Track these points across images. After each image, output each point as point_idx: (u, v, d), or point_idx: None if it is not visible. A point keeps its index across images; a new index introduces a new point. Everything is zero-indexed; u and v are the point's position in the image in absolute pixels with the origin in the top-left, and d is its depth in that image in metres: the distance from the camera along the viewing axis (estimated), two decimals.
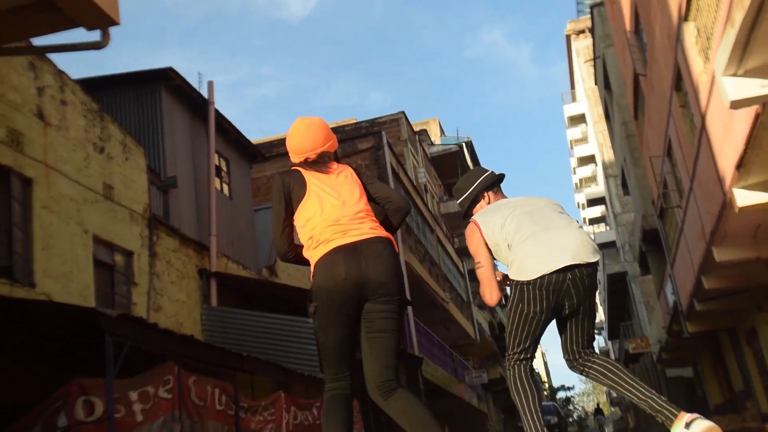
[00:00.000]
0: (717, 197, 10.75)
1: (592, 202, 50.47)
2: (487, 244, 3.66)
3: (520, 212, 3.59)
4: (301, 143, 3.38)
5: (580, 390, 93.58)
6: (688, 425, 3.18)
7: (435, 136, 40.79)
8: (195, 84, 14.55)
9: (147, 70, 13.55)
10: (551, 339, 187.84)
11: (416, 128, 33.96)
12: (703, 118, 10.69)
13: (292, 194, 3.28)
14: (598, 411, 53.23)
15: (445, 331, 27.66)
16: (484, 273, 3.66)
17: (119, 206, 11.50)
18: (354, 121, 28.72)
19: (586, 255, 3.39)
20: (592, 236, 48.66)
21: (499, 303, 3.69)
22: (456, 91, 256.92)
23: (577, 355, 3.59)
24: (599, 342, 75.47)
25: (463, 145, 37.87)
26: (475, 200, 3.97)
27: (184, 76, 13.91)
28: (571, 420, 68.07)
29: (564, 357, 3.64)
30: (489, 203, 3.92)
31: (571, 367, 3.64)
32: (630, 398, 3.43)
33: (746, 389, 18.29)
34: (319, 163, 3.36)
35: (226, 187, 15.76)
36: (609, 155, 36.58)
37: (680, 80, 12.44)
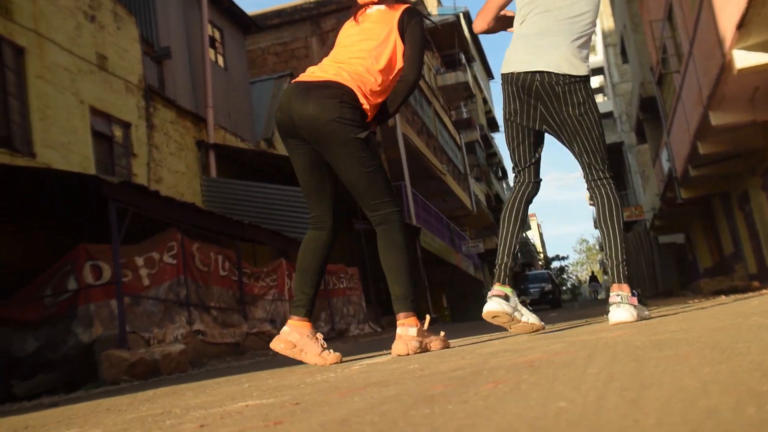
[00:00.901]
0: (716, 60, 10.67)
1: (591, 72, 49.88)
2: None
3: (540, 7, 3.41)
4: None
5: (574, 260, 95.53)
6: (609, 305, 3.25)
7: (432, 7, 39.79)
8: None
9: None
10: (547, 210, 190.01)
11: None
12: None
13: (332, 43, 3.55)
14: (593, 278, 54.60)
15: (442, 203, 27.98)
16: (489, 3, 3.57)
17: (114, 77, 11.40)
18: None
19: (561, 67, 3.27)
20: None
21: (483, 32, 3.63)
22: None
23: (589, 176, 3.44)
24: (593, 212, 76.42)
25: (461, 15, 37.00)
26: None
27: None
28: (564, 288, 69.93)
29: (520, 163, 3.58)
30: None
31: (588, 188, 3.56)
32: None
33: (736, 252, 18.74)
34: (367, 3, 3.43)
35: (221, 59, 15.55)
36: (608, 23, 35.84)
37: None
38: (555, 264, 72.89)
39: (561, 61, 3.30)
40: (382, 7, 3.38)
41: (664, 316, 3.59)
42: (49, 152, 9.60)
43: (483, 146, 41.30)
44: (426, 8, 36.34)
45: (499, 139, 57.53)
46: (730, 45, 9.75)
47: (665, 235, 28.66)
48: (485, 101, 48.11)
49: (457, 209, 30.40)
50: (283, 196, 13.44)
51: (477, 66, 44.70)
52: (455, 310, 30.74)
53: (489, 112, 49.64)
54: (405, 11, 3.35)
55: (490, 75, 53.66)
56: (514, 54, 3.37)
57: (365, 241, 16.51)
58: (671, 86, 17.13)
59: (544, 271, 42.07)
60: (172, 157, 12.86)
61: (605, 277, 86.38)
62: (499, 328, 3.78)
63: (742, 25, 9.10)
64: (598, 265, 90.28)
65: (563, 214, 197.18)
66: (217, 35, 15.53)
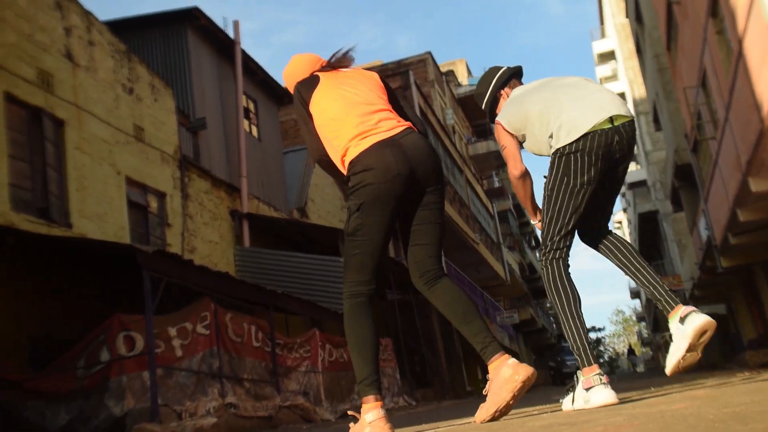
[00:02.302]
0: (754, 125, 10.52)
1: None
2: (515, 137, 3.54)
3: (552, 87, 3.42)
4: (304, 63, 3.33)
5: (610, 331, 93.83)
6: (682, 320, 3.08)
7: (462, 77, 40.30)
8: (221, 27, 14.43)
9: (173, 10, 13.46)
10: (581, 279, 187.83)
11: (443, 69, 33.58)
12: (740, 42, 10.40)
13: (305, 97, 3.18)
14: (631, 351, 53.49)
15: (475, 273, 27.71)
16: (509, 150, 3.52)
17: (150, 147, 11.54)
18: (380, 64, 28.43)
19: (626, 110, 3.25)
20: None
21: (523, 173, 3.53)
22: (483, 31, 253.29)
23: (597, 229, 3.43)
24: (630, 282, 75.27)
25: None
26: (495, 101, 3.81)
27: (210, 17, 13.81)
28: (602, 361, 68.41)
29: (580, 229, 3.48)
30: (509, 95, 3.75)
31: (587, 239, 3.47)
32: (635, 281, 3.28)
33: None
34: (335, 64, 3.30)
35: (254, 129, 15.74)
36: (640, 91, 35.93)
37: (716, 5, 12.09)
38: (591, 335, 71.56)
39: (623, 104, 3.29)
40: (350, 69, 3.33)
41: (721, 385, 3.38)
42: (86, 222, 9.66)
43: (516, 215, 41.12)
44: (456, 78, 36.81)
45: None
46: (767, 109, 9.62)
47: (706, 305, 28.00)
48: None
49: (491, 279, 30.07)
50: (316, 265, 13.36)
51: None
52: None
53: None
54: (380, 76, 3.33)
55: (521, 144, 53.81)
56: (578, 116, 3.25)
57: (399, 311, 16.30)
58: (707, 153, 16.94)
59: None
60: (206, 226, 12.90)
61: (643, 350, 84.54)
62: (541, 401, 3.60)
63: None
64: (636, 336, 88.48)
65: (597, 283, 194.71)
66: (251, 106, 15.75)
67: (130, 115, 11.18)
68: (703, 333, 3.04)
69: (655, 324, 51.49)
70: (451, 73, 35.10)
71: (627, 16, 30.41)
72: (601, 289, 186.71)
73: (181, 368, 8.25)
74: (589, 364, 3.17)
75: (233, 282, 9.97)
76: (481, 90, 3.84)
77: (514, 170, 3.52)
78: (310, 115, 3.18)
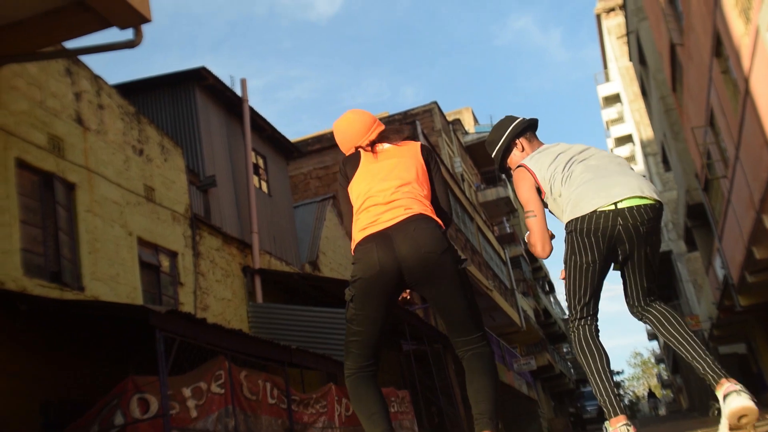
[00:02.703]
0: (765, 162, 10.48)
1: None
2: (539, 189, 3.49)
3: (577, 159, 3.44)
4: (352, 131, 3.46)
5: (629, 374, 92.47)
6: (724, 398, 3.05)
7: (469, 126, 40.56)
8: (228, 85, 14.60)
9: (180, 71, 13.63)
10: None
11: (449, 118, 33.81)
12: (746, 81, 10.42)
13: (348, 174, 3.37)
14: (651, 395, 52.74)
15: (490, 320, 27.48)
16: (535, 223, 3.46)
17: (161, 207, 11.58)
18: (387, 115, 28.66)
19: (646, 191, 3.24)
20: None
21: (547, 257, 3.52)
22: (487, 79, 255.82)
23: (637, 302, 3.42)
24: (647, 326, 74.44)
25: None
26: (507, 149, 3.79)
27: (217, 76, 13.98)
28: (623, 404, 67.29)
29: (625, 302, 3.48)
30: (523, 151, 3.75)
31: (632, 312, 3.48)
32: (682, 354, 3.25)
33: None
34: (376, 142, 3.41)
35: (264, 185, 15.80)
36: (647, 133, 36.01)
37: (720, 45, 12.15)
38: (591, 386, 70.52)
39: (633, 185, 3.27)
40: (390, 145, 3.41)
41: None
42: (98, 285, 9.64)
43: (528, 260, 40.93)
44: (463, 126, 37.03)
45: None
46: None
47: (725, 345, 27.59)
48: None
49: (506, 326, 29.80)
50: (330, 318, 13.25)
51: None
52: (510, 430, 29.61)
53: None
54: (423, 146, 3.40)
55: None
56: (584, 196, 3.29)
57: (415, 362, 16.12)
58: (719, 192, 16.88)
59: None
60: (218, 284, 12.86)
61: (663, 393, 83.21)
62: None
63: None
64: (656, 379, 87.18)
65: (614, 326, 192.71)
66: (260, 162, 15.84)
67: (140, 176, 11.24)
68: (741, 416, 3.00)
69: (674, 366, 50.74)
70: (457, 122, 35.32)
71: (630, 60, 30.64)
72: (618, 332, 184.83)
73: (197, 429, 8.13)
74: (616, 415, 3.20)
75: (247, 339, 9.88)
76: (495, 137, 3.82)
77: (542, 252, 3.48)
78: (346, 190, 3.39)
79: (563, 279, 3.47)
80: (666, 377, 77.34)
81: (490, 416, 3.07)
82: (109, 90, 11.01)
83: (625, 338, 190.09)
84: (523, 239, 27.93)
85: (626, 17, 26.52)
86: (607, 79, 55.18)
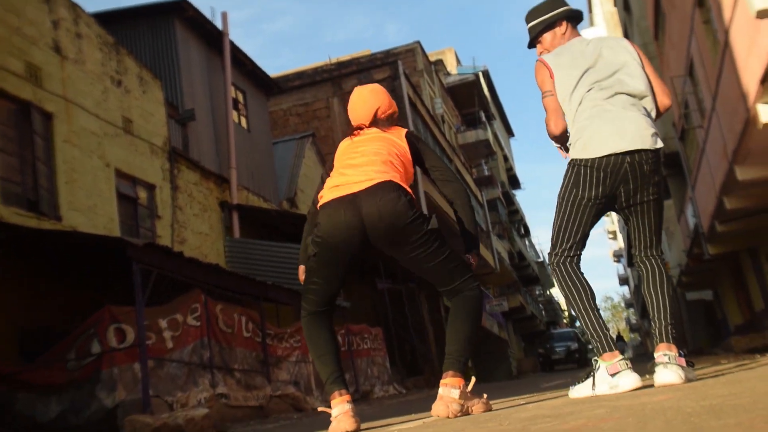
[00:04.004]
0: (740, 114, 10.61)
1: None
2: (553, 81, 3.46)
3: (593, 80, 3.38)
4: (354, 112, 3.56)
5: None
6: (655, 365, 3.16)
7: (451, 67, 40.30)
8: (209, 18, 14.40)
9: (160, 2, 13.40)
10: None
11: (432, 59, 33.55)
12: (726, 33, 10.47)
13: (333, 165, 3.48)
14: (619, 338, 53.80)
15: None
16: (551, 101, 3.45)
17: (139, 140, 11.54)
18: (369, 53, 28.39)
19: (648, 142, 3.25)
20: None
21: (563, 132, 3.46)
22: (472, 20, 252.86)
23: (638, 251, 3.44)
24: (618, 269, 75.68)
25: (480, 74, 37.41)
26: (550, 26, 3.66)
27: (198, 8, 13.77)
28: (590, 347, 68.80)
29: (632, 251, 3.50)
30: (564, 35, 3.65)
31: (633, 261, 3.52)
32: (649, 309, 3.33)
33: (766, 308, 18.36)
34: (377, 124, 3.51)
35: (244, 120, 15.74)
36: None
37: None
38: (579, 323, 71.82)
39: (647, 135, 3.27)
40: (377, 129, 3.49)
41: (706, 378, 3.45)
42: (75, 215, 9.66)
43: (505, 203, 41.24)
44: (445, 68, 36.80)
45: (520, 196, 57.45)
46: (754, 99, 9.70)
47: (693, 291, 28.21)
48: (506, 158, 48.24)
49: (481, 267, 30.18)
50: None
51: (497, 124, 44.97)
52: (480, 370, 30.29)
53: (510, 170, 49.73)
54: (408, 132, 3.48)
55: (510, 132, 53.92)
56: (598, 135, 3.29)
57: (389, 300, 16.38)
58: (694, 142, 17.06)
59: (569, 329, 41.46)
60: (195, 218, 12.91)
61: (631, 336, 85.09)
62: (530, 389, 3.68)
63: (765, 80, 9.06)
64: (624, 322, 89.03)
65: (586, 270, 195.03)
66: (240, 97, 15.74)
67: (118, 108, 11.17)
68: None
69: (643, 310, 51.83)
70: (440, 62, 35.09)
71: (615, 5, 30.46)
72: (590, 276, 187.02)
73: (172, 359, 8.30)
74: (610, 350, 3.25)
75: (223, 273, 10.01)
76: (543, 8, 3.70)
77: (555, 128, 3.45)
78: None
79: (661, 208, 3.41)
80: (634, 321, 79.02)
81: (457, 357, 3.19)
82: (87, 19, 10.85)
83: (596, 283, 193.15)
84: (501, 181, 27.96)
85: None
86: (591, 24, 54.76)
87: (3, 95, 8.86)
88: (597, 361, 3.29)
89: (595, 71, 3.40)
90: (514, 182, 51.73)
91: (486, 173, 37.86)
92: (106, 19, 12.58)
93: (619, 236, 63.89)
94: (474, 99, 34.97)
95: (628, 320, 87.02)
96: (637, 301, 56.41)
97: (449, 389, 3.11)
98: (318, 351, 3.29)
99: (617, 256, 72.52)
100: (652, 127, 3.30)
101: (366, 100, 3.53)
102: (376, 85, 3.64)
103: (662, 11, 17.48)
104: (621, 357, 3.22)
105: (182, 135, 13.21)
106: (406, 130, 3.49)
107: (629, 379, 3.13)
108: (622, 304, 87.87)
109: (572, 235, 3.38)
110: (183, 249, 11.75)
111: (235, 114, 15.11)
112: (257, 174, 15.74)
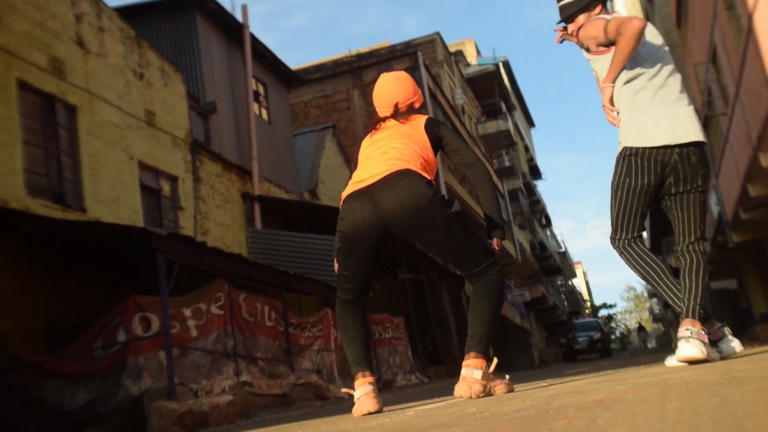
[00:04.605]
0: (764, 100, 10.50)
1: None
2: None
3: (650, 77, 3.44)
4: (381, 98, 3.58)
5: (622, 308, 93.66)
6: (678, 339, 3.20)
7: (471, 57, 40.15)
8: (229, 11, 14.46)
9: None
10: (592, 257, 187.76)
11: (452, 50, 33.45)
12: (750, 18, 10.36)
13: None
14: (641, 328, 53.45)
15: None
16: (616, 21, 3.35)
17: (161, 132, 11.63)
18: (389, 45, 28.36)
19: (698, 135, 3.35)
20: None
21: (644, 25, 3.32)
22: (492, 11, 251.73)
23: (682, 243, 3.48)
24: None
25: (500, 65, 37.24)
26: (586, 7, 3.68)
27: (218, 1, 13.84)
28: (613, 337, 68.51)
29: (675, 240, 3.55)
30: (598, 15, 3.63)
31: (676, 252, 3.56)
32: (679, 291, 3.36)
33: None
34: (399, 115, 3.53)
35: (264, 112, 15.80)
36: None
37: None
38: (602, 312, 71.53)
39: (697, 129, 3.35)
40: (397, 122, 3.51)
41: (730, 358, 3.45)
42: (99, 207, 9.77)
43: (526, 194, 41.08)
44: (465, 58, 36.67)
45: (542, 187, 57.24)
46: None
47: (717, 280, 27.97)
48: (527, 149, 48.03)
49: (502, 258, 30.12)
50: (327, 246, 13.45)
51: (518, 114, 44.77)
52: (502, 359, 30.25)
53: (531, 160, 49.52)
54: (428, 120, 3.50)
55: (531, 123, 53.66)
56: (653, 126, 3.36)
57: (410, 290, 16.40)
58: (717, 129, 16.90)
59: (591, 319, 41.28)
60: (218, 209, 13.00)
61: (654, 326, 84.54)
62: (552, 376, 3.70)
63: None
64: (647, 312, 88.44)
65: (608, 261, 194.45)
66: (261, 89, 15.80)
67: (141, 100, 11.26)
68: (687, 363, 3.15)
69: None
70: (459, 53, 34.96)
71: None
72: (612, 267, 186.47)
73: (197, 348, 8.39)
74: (693, 317, 3.25)
75: (246, 263, 10.08)
76: None
77: (637, 20, 3.31)
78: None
79: (707, 200, 3.47)
80: (657, 311, 78.48)
81: (479, 339, 3.22)
82: (109, 13, 10.94)
83: (619, 273, 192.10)
84: (522, 171, 27.78)
85: None
86: (613, 11, 54.39)
87: (27, 88, 8.97)
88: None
89: (650, 58, 3.46)
90: (535, 173, 51.49)
91: (507, 164, 37.73)
92: (128, 12, 12.68)
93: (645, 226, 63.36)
94: (494, 89, 34.83)
95: (651, 310, 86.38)
96: None
97: (471, 370, 3.14)
98: (347, 334, 3.40)
99: None
100: (699, 120, 3.40)
101: (390, 87, 3.56)
102: (402, 73, 3.65)
103: None
104: (700, 326, 3.24)
105: (204, 127, 13.30)
106: (426, 117, 3.50)
107: (687, 347, 3.15)
108: (645, 294, 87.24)
109: (631, 218, 3.46)
110: (206, 240, 11.84)
111: (256, 106, 15.18)
112: (278, 165, 15.81)
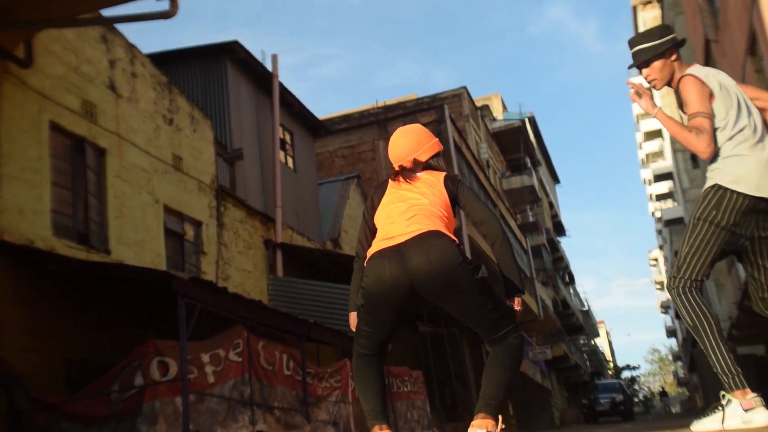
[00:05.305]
0: None
1: (659, 177, 49.48)
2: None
3: (748, 107, 3.42)
4: (393, 152, 3.55)
5: (645, 370, 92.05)
6: (747, 410, 3.12)
7: (497, 112, 40.41)
8: (260, 60, 14.71)
9: (213, 43, 13.76)
10: (615, 317, 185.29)
11: (478, 104, 33.71)
12: None
13: (375, 203, 3.48)
14: (663, 393, 52.46)
15: None
16: (707, 123, 3.34)
17: (188, 177, 11.75)
18: (415, 97, 28.65)
19: None
20: (659, 213, 47.65)
21: (708, 158, 3.37)
22: (519, 67, 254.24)
23: (763, 295, 3.43)
24: (666, 320, 74.05)
25: (526, 120, 37.44)
26: (662, 54, 3.65)
27: (249, 51, 14.09)
28: (636, 400, 67.21)
29: (752, 295, 3.49)
30: (673, 63, 3.64)
31: (756, 305, 3.50)
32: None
33: None
34: (406, 171, 3.47)
35: (290, 160, 15.94)
36: None
37: (755, 44, 12.04)
38: (625, 374, 70.30)
39: None
40: (417, 174, 3.47)
41: None
42: (123, 249, 9.84)
43: (549, 250, 40.85)
44: (491, 113, 36.91)
45: (565, 244, 56.90)
46: None
47: (744, 345, 27.46)
48: (551, 205, 47.93)
49: (524, 314, 29.82)
50: (348, 295, 13.37)
51: (543, 170, 44.82)
52: (521, 418, 29.73)
53: (555, 216, 49.37)
54: (447, 177, 3.45)
55: (555, 179, 53.65)
56: (752, 175, 3.32)
57: (430, 344, 16.25)
58: None
59: (614, 380, 40.55)
60: (240, 255, 13.04)
61: (678, 390, 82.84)
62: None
63: None
64: (672, 376, 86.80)
65: (632, 321, 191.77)
66: (287, 138, 15.97)
67: (169, 145, 11.41)
68: None
69: (691, 364, 50.59)
70: (486, 108, 35.20)
71: None
72: (637, 327, 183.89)
73: (213, 394, 8.32)
74: (742, 387, 3.23)
75: (266, 310, 10.05)
76: (654, 37, 3.68)
77: (706, 151, 3.33)
78: (371, 217, 3.47)
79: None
80: (682, 375, 77.03)
81: (488, 400, 3.18)
82: (142, 59, 11.17)
83: (642, 334, 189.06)
84: (546, 228, 27.68)
85: (662, 10, 26.24)
86: (640, 72, 54.64)
87: (59, 130, 9.13)
88: (725, 396, 3.27)
89: (743, 107, 3.43)
90: (559, 229, 51.27)
91: (531, 219, 37.63)
92: (161, 59, 12.94)
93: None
94: (520, 145, 34.94)
95: (675, 374, 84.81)
96: (686, 354, 55.03)
97: (476, 429, 3.11)
98: (363, 386, 3.33)
99: (665, 308, 71.04)
100: None
101: (407, 140, 3.52)
102: (418, 126, 3.62)
103: (713, 60, 17.36)
104: (754, 394, 3.21)
105: (230, 173, 13.42)
106: (445, 173, 3.47)
107: (764, 415, 3.12)
108: (670, 357, 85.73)
109: (701, 258, 3.35)
110: (227, 285, 11.84)
111: (282, 154, 15.32)
112: (302, 214, 15.88)
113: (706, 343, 3.29)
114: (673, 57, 3.63)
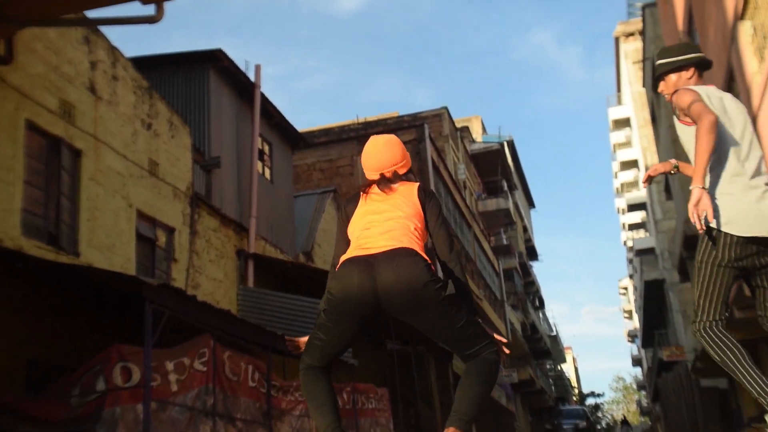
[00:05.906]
0: None
1: (633, 207, 49.87)
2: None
3: (750, 139, 3.44)
4: (374, 160, 3.52)
5: (609, 398, 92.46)
6: None
7: (477, 134, 40.66)
8: (243, 69, 14.72)
9: (196, 51, 13.74)
10: (583, 344, 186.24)
11: (458, 125, 33.91)
12: (755, 119, 10.54)
13: (348, 214, 3.46)
14: (624, 422, 52.71)
15: None
16: (700, 104, 3.34)
17: (163, 183, 11.69)
18: (396, 115, 28.77)
19: None
20: (631, 242, 48.07)
21: (717, 119, 3.31)
22: (501, 91, 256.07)
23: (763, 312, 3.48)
24: (632, 349, 74.56)
25: (505, 144, 37.72)
26: (679, 68, 3.68)
27: (233, 59, 14.09)
28: (599, 427, 67.48)
29: (757, 312, 3.52)
30: (689, 80, 3.66)
31: (762, 321, 3.53)
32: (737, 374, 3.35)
33: None
34: (384, 182, 3.47)
35: (268, 171, 15.92)
36: (653, 159, 36.12)
37: (732, 81, 12.27)
38: (590, 400, 70.60)
39: None
40: (391, 186, 3.46)
41: None
42: (93, 252, 9.75)
43: (521, 274, 41.06)
44: (471, 134, 37.14)
45: (537, 268, 57.13)
46: None
47: (707, 378, 27.72)
48: (525, 229, 48.21)
49: None
50: (318, 310, 13.34)
51: (519, 194, 45.12)
52: None
53: (528, 241, 49.64)
54: (419, 187, 3.45)
55: (531, 204, 54.01)
56: (744, 215, 3.36)
57: (397, 362, 16.24)
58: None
59: (578, 407, 40.77)
60: (211, 264, 12.97)
61: (641, 419, 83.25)
62: None
63: None
64: (635, 405, 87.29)
65: (599, 348, 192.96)
66: (266, 148, 15.95)
67: (146, 150, 11.36)
68: None
69: (655, 394, 50.90)
70: (465, 129, 35.41)
71: (644, 85, 30.78)
72: (603, 356, 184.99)
73: (176, 403, 8.26)
74: None
75: (234, 320, 10.01)
76: (677, 49, 3.72)
77: (712, 125, 3.27)
78: (345, 228, 3.44)
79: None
80: (645, 404, 77.50)
81: (460, 415, 3.15)
82: (124, 62, 11.13)
83: (609, 362, 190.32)
84: (519, 251, 27.80)
85: (644, 43, 26.64)
86: (619, 103, 55.32)
87: (35, 130, 9.06)
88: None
89: (745, 134, 3.47)
90: (532, 253, 51.55)
91: (504, 242, 37.82)
92: (143, 63, 12.89)
93: (635, 316, 63.19)
94: (497, 167, 35.17)
95: (639, 403, 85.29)
96: (650, 384, 55.40)
97: None
98: (316, 401, 3.23)
99: (632, 336, 71.53)
100: None
101: (381, 151, 3.51)
102: (392, 137, 3.60)
103: None
104: None
105: (206, 181, 13.37)
106: (417, 184, 3.47)
107: None
108: (634, 386, 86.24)
109: (713, 299, 3.42)
110: (196, 294, 11.77)
111: (259, 164, 15.30)
112: (276, 225, 15.84)
113: (737, 374, 3.34)
114: (690, 72, 3.67)
